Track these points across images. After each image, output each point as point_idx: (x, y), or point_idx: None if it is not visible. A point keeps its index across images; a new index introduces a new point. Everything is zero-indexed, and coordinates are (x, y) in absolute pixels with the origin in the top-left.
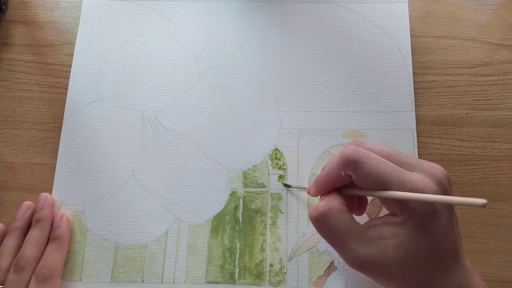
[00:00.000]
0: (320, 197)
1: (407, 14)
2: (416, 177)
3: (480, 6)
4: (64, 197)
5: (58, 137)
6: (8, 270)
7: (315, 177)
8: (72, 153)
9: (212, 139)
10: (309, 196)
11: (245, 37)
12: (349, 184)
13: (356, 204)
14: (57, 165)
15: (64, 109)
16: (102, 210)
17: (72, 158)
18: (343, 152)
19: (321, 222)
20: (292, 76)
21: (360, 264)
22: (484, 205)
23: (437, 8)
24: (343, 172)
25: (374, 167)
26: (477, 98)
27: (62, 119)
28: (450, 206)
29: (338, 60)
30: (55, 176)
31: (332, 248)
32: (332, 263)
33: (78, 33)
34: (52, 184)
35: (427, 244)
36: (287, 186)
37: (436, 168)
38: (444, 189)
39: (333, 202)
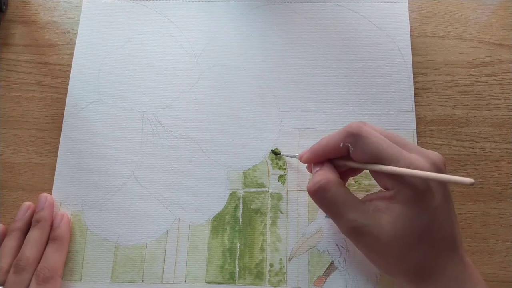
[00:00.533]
0: (313, 167)
1: (407, 14)
2: (411, 156)
3: (480, 6)
4: (64, 197)
5: (58, 137)
6: (8, 271)
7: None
8: (72, 153)
9: (212, 139)
10: (308, 192)
11: (245, 37)
12: (340, 157)
13: (349, 174)
14: (57, 165)
15: (64, 109)
16: (102, 210)
17: (72, 158)
18: (347, 126)
19: (320, 195)
20: (292, 76)
21: (355, 232)
22: (472, 184)
23: (437, 8)
24: (342, 144)
25: (373, 143)
26: (477, 98)
27: (62, 119)
28: (445, 192)
29: (338, 60)
30: (55, 176)
31: (332, 248)
32: (332, 263)
33: (78, 33)
34: (52, 184)
35: (420, 223)
36: (276, 153)
37: (433, 153)
38: (439, 171)
39: (330, 175)
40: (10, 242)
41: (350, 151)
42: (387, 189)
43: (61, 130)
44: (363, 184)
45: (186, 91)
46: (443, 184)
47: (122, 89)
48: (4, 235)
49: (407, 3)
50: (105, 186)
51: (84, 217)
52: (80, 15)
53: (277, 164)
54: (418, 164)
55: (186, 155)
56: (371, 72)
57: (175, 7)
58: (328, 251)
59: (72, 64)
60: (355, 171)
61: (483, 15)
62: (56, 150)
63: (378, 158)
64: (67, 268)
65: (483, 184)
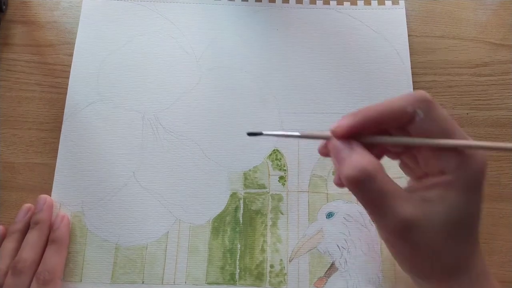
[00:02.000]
0: (338, 150)
1: (405, 19)
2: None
3: (480, 6)
4: (64, 197)
5: (58, 137)
6: (7, 273)
7: (316, 178)
8: (72, 154)
9: (212, 140)
10: (309, 196)
11: (246, 40)
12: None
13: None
14: (56, 166)
15: (64, 109)
16: (102, 211)
17: (72, 159)
18: (414, 91)
19: (364, 184)
20: (293, 78)
21: (407, 227)
22: None
23: (437, 8)
24: (410, 107)
25: (445, 114)
26: (477, 98)
27: (62, 119)
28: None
29: (338, 63)
30: (55, 176)
31: (333, 249)
32: (333, 264)
33: (77, 34)
34: (52, 184)
35: (474, 211)
36: (253, 134)
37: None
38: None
39: (374, 160)
40: (9, 244)
41: (419, 120)
42: (441, 173)
43: (61, 130)
44: None
45: (187, 92)
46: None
47: (122, 89)
48: (4, 236)
49: (404, 8)
50: (105, 187)
51: (84, 218)
52: (80, 15)
53: (278, 165)
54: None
55: (186, 156)
56: (371, 75)
57: (176, 9)
58: (329, 252)
59: (72, 64)
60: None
61: (483, 15)
62: (56, 150)
63: (447, 131)
64: (67, 269)
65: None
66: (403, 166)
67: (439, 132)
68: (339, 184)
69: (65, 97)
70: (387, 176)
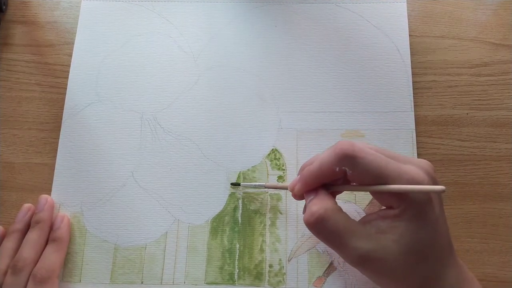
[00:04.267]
0: (306, 195)
1: (406, 14)
2: (411, 169)
3: (480, 6)
4: (63, 198)
5: (58, 137)
6: (6, 272)
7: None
8: (71, 154)
9: (211, 140)
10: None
11: (244, 38)
12: (335, 180)
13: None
14: (56, 166)
15: (63, 109)
16: (101, 211)
17: (71, 159)
18: (337, 148)
19: (319, 227)
20: (291, 76)
21: (362, 260)
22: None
23: (437, 8)
24: (337, 168)
25: (372, 162)
26: (477, 98)
27: (62, 119)
28: (440, 198)
29: (337, 60)
30: (54, 177)
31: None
32: (331, 263)
33: (76, 34)
34: (51, 184)
35: (425, 236)
36: (235, 184)
37: (423, 162)
38: (434, 180)
39: (327, 203)
40: (9, 244)
41: (349, 175)
42: (391, 208)
43: (60, 130)
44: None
45: (185, 92)
46: (439, 193)
47: (121, 90)
48: (3, 236)
49: (406, 3)
50: (104, 187)
51: (83, 218)
52: (79, 16)
53: (277, 164)
54: (418, 177)
55: (185, 156)
56: (370, 72)
57: (173, 8)
58: (327, 251)
59: (71, 65)
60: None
61: (483, 15)
62: (56, 151)
63: (380, 177)
64: (66, 269)
65: (483, 184)
66: (375, 198)
67: (369, 180)
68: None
69: (64, 97)
70: (342, 215)
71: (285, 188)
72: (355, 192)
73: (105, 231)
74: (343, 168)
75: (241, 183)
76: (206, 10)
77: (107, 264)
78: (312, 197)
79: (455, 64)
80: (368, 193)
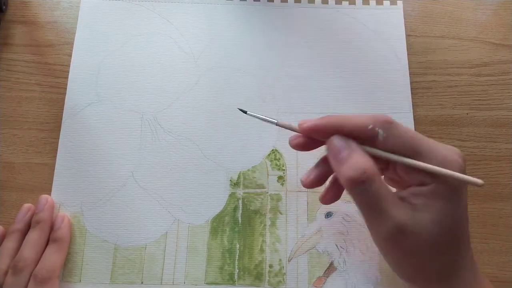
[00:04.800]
0: (333, 142)
1: (402, 18)
2: (445, 148)
3: (480, 6)
4: (63, 198)
5: (58, 137)
6: (7, 273)
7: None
8: (71, 154)
9: (211, 140)
10: (308, 195)
11: (244, 39)
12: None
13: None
14: (56, 166)
15: (63, 109)
16: (101, 211)
17: (71, 159)
18: (377, 114)
19: (366, 186)
20: (291, 77)
21: (398, 233)
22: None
23: (437, 8)
24: (371, 125)
25: (407, 131)
26: (477, 98)
27: (62, 119)
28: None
29: (336, 63)
30: (54, 177)
31: (332, 249)
32: (331, 263)
33: (76, 34)
34: (51, 184)
35: (459, 218)
36: (242, 111)
37: (456, 149)
38: (465, 164)
39: (373, 163)
40: (9, 244)
41: (381, 138)
42: (422, 184)
43: (60, 130)
44: None
45: (185, 93)
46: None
47: (121, 90)
48: (3, 236)
49: (402, 9)
50: (104, 187)
51: (83, 218)
52: (79, 16)
53: (277, 165)
54: (452, 158)
55: (185, 156)
56: (369, 74)
57: (174, 9)
58: (327, 251)
59: (71, 65)
60: (338, 195)
61: (483, 15)
62: (56, 150)
63: (412, 148)
64: (66, 269)
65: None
66: (387, 180)
67: (403, 149)
68: (307, 184)
69: (64, 97)
70: (383, 181)
71: (294, 129)
72: None
73: (105, 231)
74: (376, 129)
75: (248, 112)
76: (206, 12)
77: (107, 264)
78: (347, 151)
79: (455, 64)
80: None
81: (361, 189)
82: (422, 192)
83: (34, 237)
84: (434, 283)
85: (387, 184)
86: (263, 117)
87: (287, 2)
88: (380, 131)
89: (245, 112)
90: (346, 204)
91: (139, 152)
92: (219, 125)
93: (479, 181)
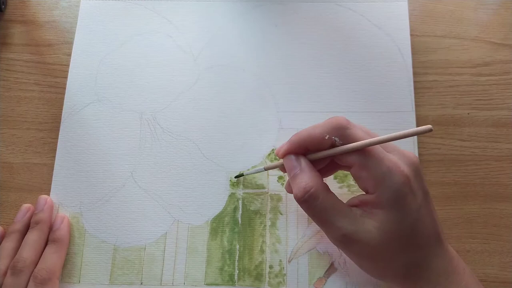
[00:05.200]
0: (290, 168)
1: (407, 13)
2: (391, 156)
3: (481, 5)
4: (62, 198)
5: (57, 137)
6: (6, 273)
7: None
8: (70, 154)
9: (211, 140)
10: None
11: (244, 37)
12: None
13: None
14: (55, 167)
15: (62, 109)
16: (100, 212)
17: (70, 160)
18: (332, 119)
19: (310, 203)
20: (292, 76)
21: (346, 240)
22: (430, 130)
23: (438, 7)
24: (327, 136)
25: (361, 138)
26: (478, 98)
27: (61, 119)
28: (425, 190)
29: (338, 60)
30: (53, 177)
31: (332, 249)
32: (332, 264)
33: (75, 33)
34: (50, 184)
35: (406, 225)
36: (239, 176)
37: (410, 153)
38: (417, 171)
39: (317, 180)
40: (8, 244)
41: (338, 145)
42: (367, 192)
43: (59, 130)
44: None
45: (184, 92)
46: (422, 183)
47: (120, 90)
48: (2, 236)
49: (407, 2)
50: (104, 188)
51: (83, 219)
52: (78, 15)
53: None
54: (400, 165)
55: (184, 156)
56: (371, 72)
57: (173, 7)
58: (328, 252)
59: (70, 64)
60: (332, 170)
61: (484, 14)
62: (55, 150)
63: (363, 154)
64: (65, 270)
65: (484, 185)
66: (355, 180)
67: (355, 155)
68: (289, 191)
69: (63, 97)
70: (330, 193)
71: (281, 164)
72: (356, 193)
73: (104, 231)
74: (333, 137)
75: (244, 172)
76: (206, 9)
77: (106, 265)
78: (297, 170)
79: (456, 64)
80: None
81: (307, 205)
82: (367, 200)
83: (33, 237)
84: (403, 279)
85: (334, 197)
86: (254, 171)
87: None
88: (336, 139)
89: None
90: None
91: (139, 152)
92: (219, 125)
93: (426, 127)
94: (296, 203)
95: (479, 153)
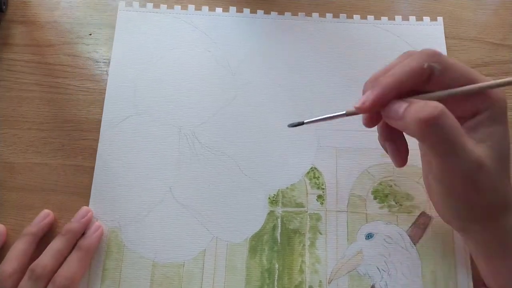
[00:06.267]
0: (387, 110)
1: (443, 36)
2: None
3: (480, 6)
4: (101, 213)
5: (57, 137)
6: (12, 275)
7: (355, 198)
8: (109, 168)
9: (249, 157)
10: (348, 216)
11: (282, 54)
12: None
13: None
14: (93, 180)
15: (63, 109)
16: (139, 227)
17: (109, 173)
18: (424, 49)
19: (441, 120)
20: (329, 94)
21: (477, 166)
22: None
23: (437, 8)
24: (426, 64)
25: (456, 61)
26: None
27: (61, 119)
28: None
29: None
30: (92, 191)
31: (373, 271)
32: (373, 286)
33: (113, 46)
34: (53, 184)
35: (509, 139)
36: (297, 125)
37: None
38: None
39: (438, 103)
40: (20, 246)
41: (437, 74)
42: (477, 113)
43: (61, 129)
44: (404, 205)
45: (223, 107)
46: None
47: (158, 103)
48: (4, 236)
49: (442, 25)
50: (142, 202)
51: (121, 233)
52: (79, 15)
53: (316, 183)
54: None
55: (223, 173)
56: None
57: (211, 22)
58: (368, 274)
59: (108, 77)
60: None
61: (483, 15)
62: (56, 150)
63: (469, 76)
64: (104, 286)
65: None
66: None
67: (459, 79)
68: (369, 122)
69: (65, 97)
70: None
71: (353, 113)
72: (396, 214)
73: (143, 247)
74: (431, 64)
75: (305, 121)
76: (244, 25)
77: (145, 281)
78: (406, 105)
79: None
80: (410, 214)
81: (435, 127)
82: (480, 121)
83: (58, 246)
84: (493, 218)
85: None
86: (328, 116)
87: (325, 17)
88: (436, 65)
89: (302, 123)
90: (387, 226)
91: (177, 167)
92: (257, 141)
93: None
94: (335, 222)
95: None
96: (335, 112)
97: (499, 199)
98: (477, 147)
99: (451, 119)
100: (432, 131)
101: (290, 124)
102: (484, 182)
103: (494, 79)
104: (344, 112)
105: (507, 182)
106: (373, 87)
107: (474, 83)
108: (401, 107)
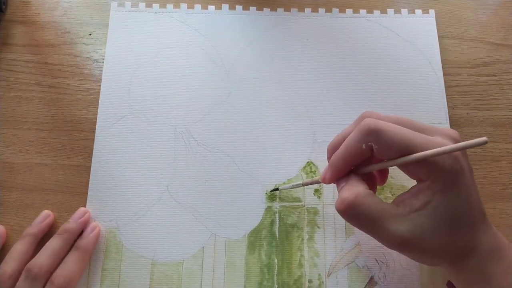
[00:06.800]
0: (337, 184)
1: (435, 28)
2: (437, 139)
3: (480, 5)
4: (98, 213)
5: (57, 137)
6: (11, 276)
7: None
8: (105, 169)
9: (245, 153)
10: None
11: (276, 50)
12: (364, 162)
13: (376, 180)
14: (90, 181)
15: (63, 109)
16: (137, 226)
17: (105, 174)
18: (360, 126)
19: (350, 213)
20: (324, 88)
21: (400, 242)
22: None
23: (437, 7)
24: (364, 145)
25: (397, 134)
26: (477, 98)
27: (61, 119)
28: (470, 166)
29: (369, 73)
30: (89, 192)
31: (371, 263)
32: (371, 278)
33: (106, 47)
34: (52, 184)
35: (459, 205)
36: (274, 190)
37: (451, 130)
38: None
39: (357, 189)
40: (20, 247)
41: (375, 150)
42: (421, 180)
43: (60, 130)
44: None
45: (218, 104)
46: (467, 159)
47: (153, 103)
48: (4, 236)
49: (434, 18)
50: (139, 202)
51: (119, 233)
52: (80, 16)
53: (312, 177)
54: (445, 145)
55: (220, 170)
56: (403, 85)
57: (204, 20)
58: (367, 266)
59: (102, 77)
60: (383, 177)
61: (484, 14)
62: (55, 150)
63: (406, 149)
64: (103, 286)
65: (484, 185)
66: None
67: (395, 154)
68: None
69: (65, 97)
70: (374, 199)
71: (318, 182)
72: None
73: (141, 246)
74: (369, 144)
75: (279, 187)
76: (237, 22)
77: (144, 280)
78: (343, 184)
79: (456, 64)
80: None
81: (347, 215)
82: (420, 189)
83: (55, 245)
84: (456, 261)
85: (380, 201)
86: (291, 185)
87: (317, 12)
88: (373, 145)
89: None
90: None
91: (173, 165)
92: (253, 137)
93: (481, 139)
94: (333, 216)
95: (478, 153)
96: (294, 183)
97: (448, 253)
98: (405, 221)
99: (362, 208)
100: (347, 219)
101: (268, 191)
102: (417, 248)
103: (443, 147)
104: (300, 183)
105: (458, 238)
106: (328, 165)
107: (411, 153)
108: (339, 185)
